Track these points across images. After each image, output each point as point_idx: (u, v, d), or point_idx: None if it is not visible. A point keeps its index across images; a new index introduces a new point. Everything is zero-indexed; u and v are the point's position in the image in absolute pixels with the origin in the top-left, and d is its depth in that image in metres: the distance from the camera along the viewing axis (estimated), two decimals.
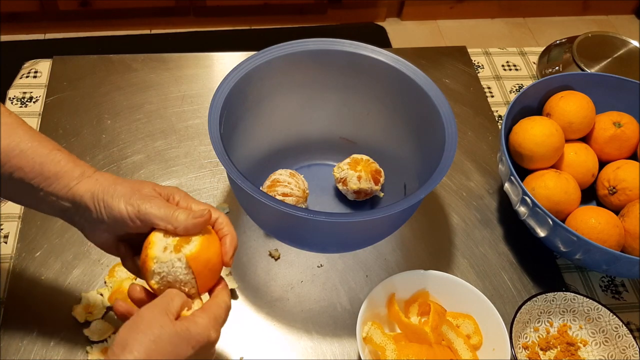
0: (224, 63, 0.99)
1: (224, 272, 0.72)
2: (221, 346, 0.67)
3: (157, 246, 0.51)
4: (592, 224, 0.71)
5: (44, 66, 0.95)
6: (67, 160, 0.54)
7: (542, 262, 0.79)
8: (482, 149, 0.90)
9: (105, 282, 0.70)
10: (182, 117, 0.90)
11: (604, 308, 0.68)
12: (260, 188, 0.75)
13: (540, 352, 0.70)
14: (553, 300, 0.70)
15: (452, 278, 0.69)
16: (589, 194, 0.82)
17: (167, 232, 0.52)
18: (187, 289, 0.51)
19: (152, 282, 0.51)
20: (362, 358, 0.62)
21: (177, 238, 0.51)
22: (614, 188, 0.78)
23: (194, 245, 0.51)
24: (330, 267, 0.75)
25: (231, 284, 0.71)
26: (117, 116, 0.89)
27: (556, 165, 0.79)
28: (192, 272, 0.51)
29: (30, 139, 0.53)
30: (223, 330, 0.68)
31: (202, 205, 0.55)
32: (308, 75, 0.76)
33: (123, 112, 0.90)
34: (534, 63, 1.05)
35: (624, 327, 0.67)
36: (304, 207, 0.76)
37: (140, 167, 0.83)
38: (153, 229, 0.52)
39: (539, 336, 0.71)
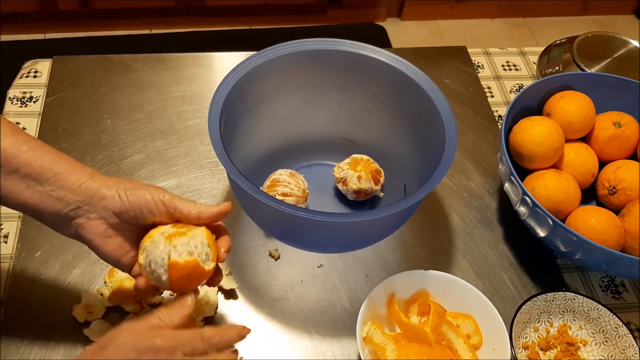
0: (224, 63, 0.99)
1: (223, 272, 0.72)
2: None
3: (159, 230, 0.55)
4: (592, 224, 0.71)
5: (44, 66, 0.95)
6: (74, 160, 0.56)
7: (542, 262, 0.79)
8: (482, 149, 0.91)
9: (105, 282, 0.70)
10: (182, 117, 0.90)
11: (604, 308, 0.68)
12: (260, 188, 0.75)
13: (540, 352, 0.70)
14: (553, 300, 0.70)
15: (452, 278, 0.69)
16: (589, 194, 0.82)
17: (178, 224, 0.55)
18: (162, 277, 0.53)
19: (140, 257, 0.55)
20: (362, 358, 0.62)
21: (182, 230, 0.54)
22: (614, 188, 0.78)
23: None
24: (330, 267, 0.75)
25: (231, 284, 0.71)
26: (117, 116, 0.89)
27: (556, 165, 0.79)
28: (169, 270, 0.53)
29: (34, 139, 0.55)
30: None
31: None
32: (308, 75, 0.76)
33: (123, 112, 0.90)
34: (534, 63, 1.05)
35: (624, 327, 0.67)
36: (304, 207, 0.76)
37: (140, 167, 0.83)
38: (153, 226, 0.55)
39: (539, 336, 0.71)
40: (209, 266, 0.54)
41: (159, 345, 0.48)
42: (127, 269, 0.57)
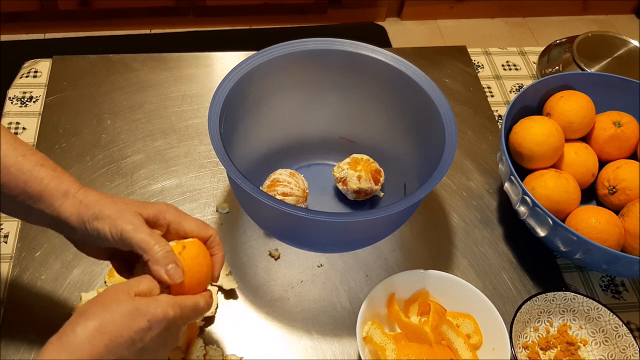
0: (224, 63, 0.99)
1: (223, 272, 0.72)
2: (221, 346, 0.67)
3: None
4: (592, 223, 0.71)
5: (44, 66, 0.95)
6: (51, 177, 0.53)
7: (542, 262, 0.79)
8: (482, 148, 0.91)
9: (105, 282, 0.70)
10: (182, 117, 0.90)
11: (603, 308, 0.68)
12: (260, 188, 0.75)
13: (540, 352, 0.70)
14: (553, 300, 0.70)
15: (452, 278, 0.69)
16: (589, 194, 0.82)
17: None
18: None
19: None
20: (362, 358, 0.62)
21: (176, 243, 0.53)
22: (614, 188, 0.78)
23: (187, 251, 0.53)
24: (330, 267, 0.75)
25: (231, 284, 0.71)
26: (117, 116, 0.89)
27: (556, 165, 0.79)
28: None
29: (14, 152, 0.53)
30: (223, 330, 0.68)
31: (195, 221, 0.55)
32: (308, 75, 0.76)
33: (123, 112, 0.90)
34: (534, 63, 1.05)
35: (624, 326, 0.67)
36: (304, 206, 0.76)
37: (140, 166, 0.83)
38: None
39: (538, 336, 0.71)
40: None
41: (169, 315, 0.48)
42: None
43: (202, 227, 0.55)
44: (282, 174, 0.75)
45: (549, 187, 0.74)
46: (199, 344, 0.65)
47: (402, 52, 0.86)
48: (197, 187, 0.81)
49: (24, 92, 0.91)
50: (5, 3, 1.94)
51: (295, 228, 0.68)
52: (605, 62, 0.98)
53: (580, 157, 0.79)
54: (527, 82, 1.02)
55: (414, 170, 0.74)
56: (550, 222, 0.68)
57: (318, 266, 0.75)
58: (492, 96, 0.99)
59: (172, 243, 0.53)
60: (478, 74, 1.02)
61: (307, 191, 0.76)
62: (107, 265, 0.72)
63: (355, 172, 0.77)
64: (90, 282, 0.71)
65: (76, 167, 0.82)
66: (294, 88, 0.77)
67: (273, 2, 2.10)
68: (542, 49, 1.06)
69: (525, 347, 0.69)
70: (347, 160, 0.79)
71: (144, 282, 0.49)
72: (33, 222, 0.55)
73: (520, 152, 0.78)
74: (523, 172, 0.79)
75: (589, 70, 0.96)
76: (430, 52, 1.05)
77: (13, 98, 0.90)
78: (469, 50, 1.06)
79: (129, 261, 0.57)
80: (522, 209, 0.72)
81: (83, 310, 0.47)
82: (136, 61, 0.97)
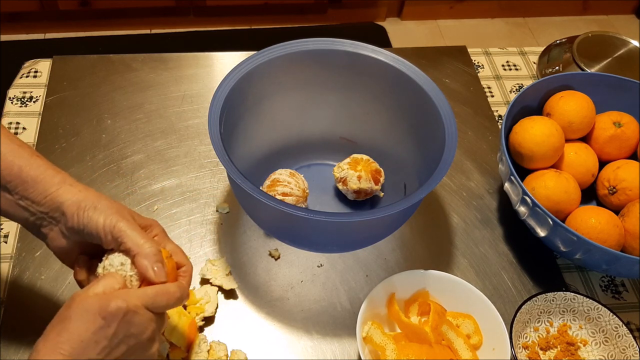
0: (224, 63, 0.99)
1: (223, 272, 0.72)
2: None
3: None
4: (592, 223, 0.71)
5: (44, 66, 0.95)
6: (47, 166, 0.54)
7: (542, 262, 0.79)
8: (482, 148, 0.91)
9: None
10: (182, 117, 0.90)
11: (604, 308, 0.68)
12: (260, 188, 0.75)
13: (540, 352, 0.70)
14: (553, 300, 0.70)
15: (452, 278, 0.69)
16: (589, 194, 0.82)
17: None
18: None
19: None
20: (362, 358, 0.62)
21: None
22: (614, 188, 0.78)
23: (171, 261, 0.54)
24: (330, 267, 0.75)
25: (231, 284, 0.71)
26: (117, 116, 0.89)
27: (556, 165, 0.79)
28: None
29: (9, 142, 0.54)
30: (223, 329, 0.68)
31: (177, 247, 0.56)
32: (308, 75, 0.76)
33: (123, 112, 0.90)
34: (534, 63, 1.05)
35: (624, 326, 0.67)
36: (304, 206, 0.76)
37: (140, 166, 0.83)
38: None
39: (539, 336, 0.71)
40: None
41: (122, 307, 0.47)
42: (81, 285, 0.56)
43: (182, 253, 0.57)
44: (282, 174, 0.75)
45: (549, 187, 0.74)
46: (202, 340, 0.65)
47: (402, 52, 0.86)
48: (197, 187, 0.81)
49: (24, 92, 0.91)
50: (5, 3, 1.94)
51: (295, 228, 0.68)
52: (605, 62, 0.98)
53: (580, 157, 0.79)
54: (527, 82, 1.02)
55: (414, 170, 0.74)
56: (550, 222, 0.68)
57: (318, 266, 0.75)
58: (492, 96, 0.99)
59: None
60: (478, 74, 1.02)
61: (307, 191, 0.76)
62: None
63: (355, 172, 0.77)
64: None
65: (76, 167, 0.82)
66: (294, 88, 0.77)
67: (273, 2, 2.10)
68: (542, 49, 1.06)
69: (525, 347, 0.69)
70: (347, 160, 0.79)
71: (100, 283, 0.49)
72: (11, 213, 0.54)
73: (520, 152, 0.78)
74: (523, 172, 0.79)
75: (589, 70, 0.96)
76: (430, 52, 1.05)
77: (13, 98, 0.90)
78: (469, 50, 1.06)
79: (88, 266, 0.57)
80: (522, 209, 0.72)
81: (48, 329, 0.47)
82: (136, 61, 0.97)
